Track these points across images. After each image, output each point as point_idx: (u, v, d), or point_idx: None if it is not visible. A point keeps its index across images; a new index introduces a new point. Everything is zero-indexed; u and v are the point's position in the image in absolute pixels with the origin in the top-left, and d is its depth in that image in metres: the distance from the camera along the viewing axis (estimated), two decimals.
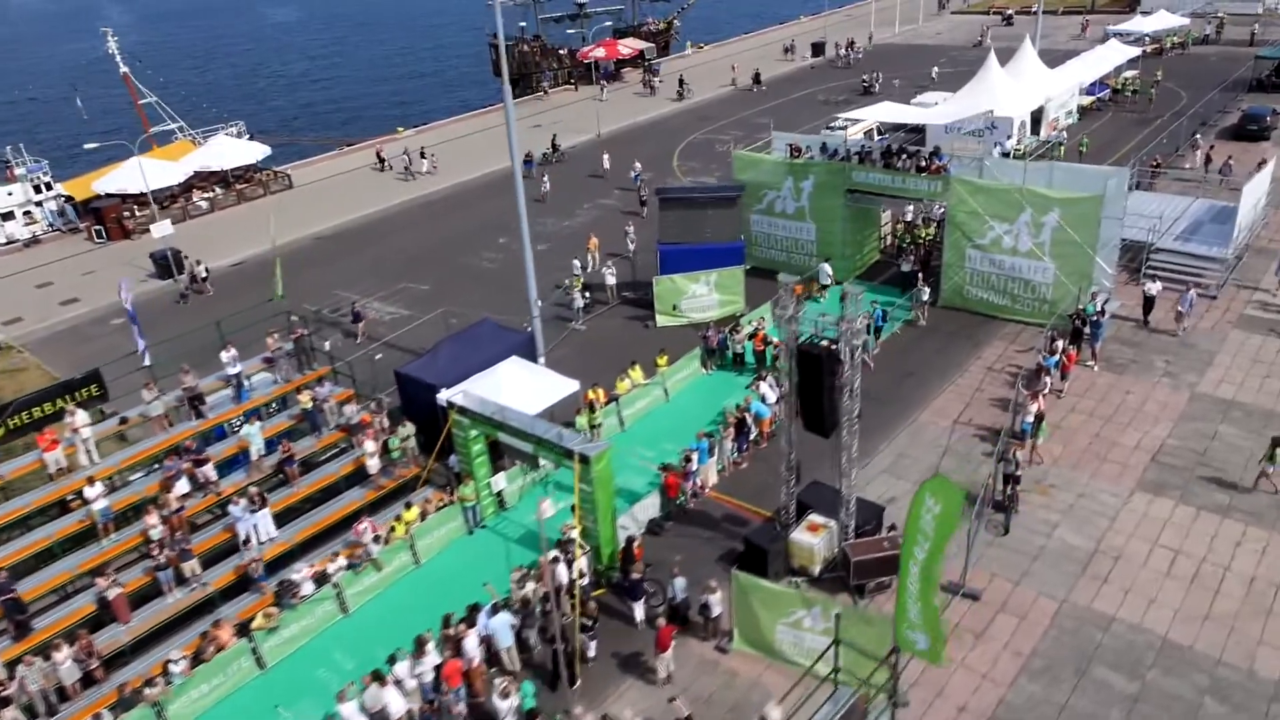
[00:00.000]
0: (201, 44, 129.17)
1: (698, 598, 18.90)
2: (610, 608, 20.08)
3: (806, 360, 18.55)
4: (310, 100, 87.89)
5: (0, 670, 18.15)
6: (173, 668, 17.73)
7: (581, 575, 19.60)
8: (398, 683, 17.35)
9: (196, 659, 18.40)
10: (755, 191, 35.17)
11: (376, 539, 20.77)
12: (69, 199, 49.86)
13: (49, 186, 49.87)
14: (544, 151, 53.43)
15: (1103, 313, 27.80)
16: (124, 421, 23.08)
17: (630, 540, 20.16)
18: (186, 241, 44.57)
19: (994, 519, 21.50)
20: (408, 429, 23.83)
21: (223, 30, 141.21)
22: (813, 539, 20.16)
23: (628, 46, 73.51)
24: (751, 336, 28.79)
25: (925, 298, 30.44)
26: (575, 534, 20.51)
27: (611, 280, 34.53)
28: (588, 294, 34.50)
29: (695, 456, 23.04)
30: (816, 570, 20.20)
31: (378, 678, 17.18)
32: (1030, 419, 23.64)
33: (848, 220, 33.56)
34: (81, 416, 21.73)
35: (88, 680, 18.55)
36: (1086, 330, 27.49)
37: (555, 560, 19.25)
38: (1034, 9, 60.65)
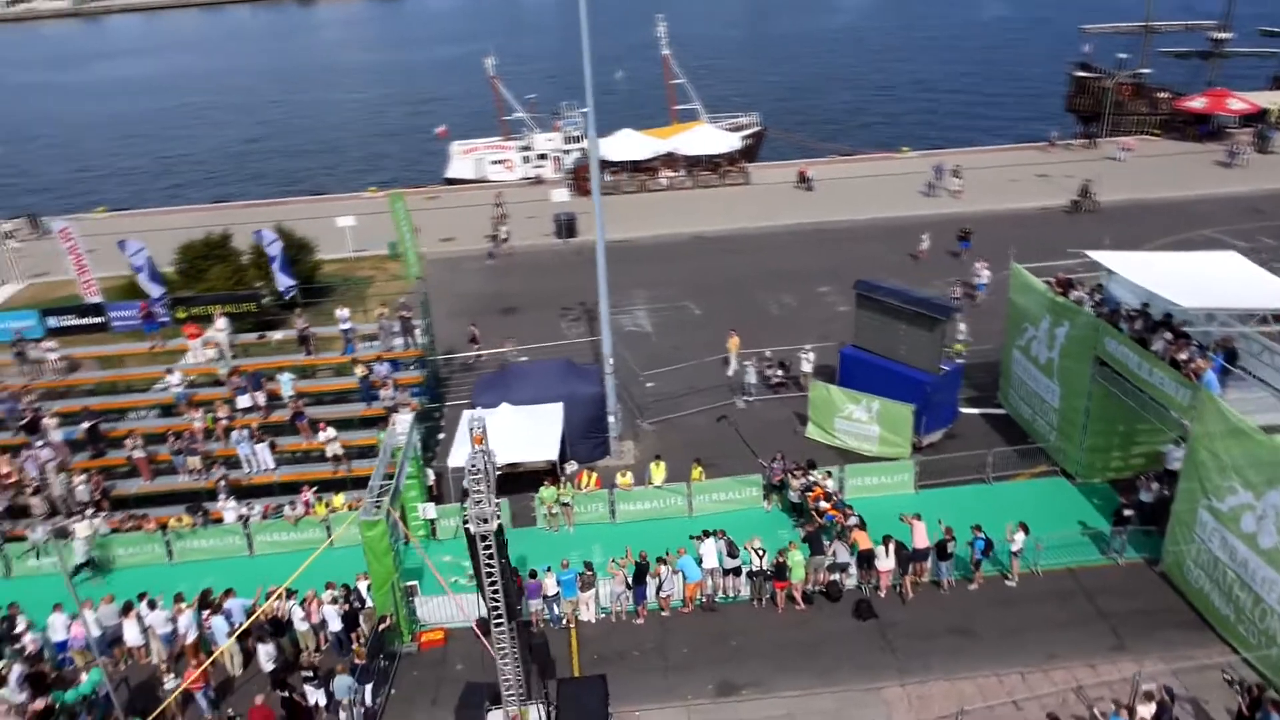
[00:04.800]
0: (866, 36, 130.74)
1: None
2: None
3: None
4: (863, 103, 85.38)
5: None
6: (74, 526, 22.95)
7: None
8: (140, 618, 19.82)
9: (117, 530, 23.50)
10: (1019, 322, 26.60)
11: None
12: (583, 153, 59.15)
13: (576, 140, 59.72)
14: (1073, 199, 46.17)
15: None
16: (262, 338, 28.87)
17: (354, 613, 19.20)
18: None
19: None
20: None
21: (916, 24, 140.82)
22: None
23: (1244, 101, 56.62)
24: (808, 489, 22.84)
25: (1015, 548, 20.22)
26: (362, 586, 20.18)
27: (808, 367, 29.74)
28: (782, 371, 30.46)
29: (550, 581, 20.15)
30: None
31: (126, 606, 19.89)
32: None
33: (1100, 398, 23.41)
34: (221, 322, 27.88)
35: (98, 507, 24.85)
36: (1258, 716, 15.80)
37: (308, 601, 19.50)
38: None
